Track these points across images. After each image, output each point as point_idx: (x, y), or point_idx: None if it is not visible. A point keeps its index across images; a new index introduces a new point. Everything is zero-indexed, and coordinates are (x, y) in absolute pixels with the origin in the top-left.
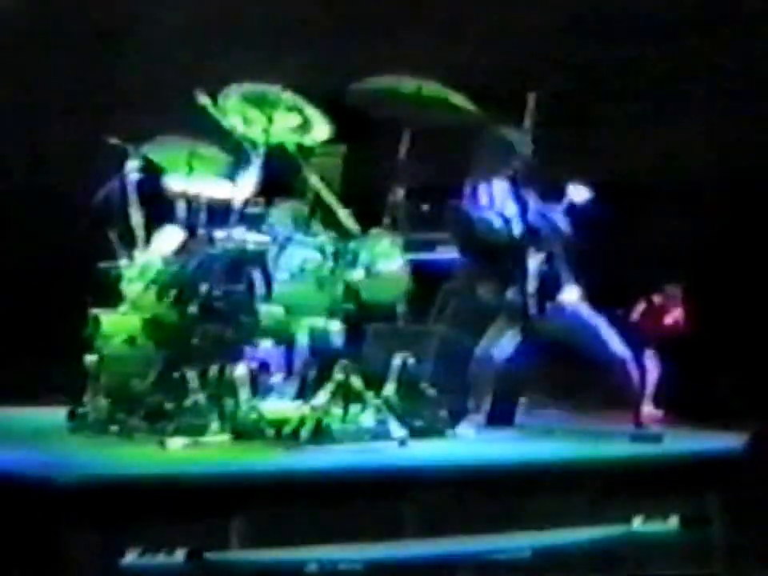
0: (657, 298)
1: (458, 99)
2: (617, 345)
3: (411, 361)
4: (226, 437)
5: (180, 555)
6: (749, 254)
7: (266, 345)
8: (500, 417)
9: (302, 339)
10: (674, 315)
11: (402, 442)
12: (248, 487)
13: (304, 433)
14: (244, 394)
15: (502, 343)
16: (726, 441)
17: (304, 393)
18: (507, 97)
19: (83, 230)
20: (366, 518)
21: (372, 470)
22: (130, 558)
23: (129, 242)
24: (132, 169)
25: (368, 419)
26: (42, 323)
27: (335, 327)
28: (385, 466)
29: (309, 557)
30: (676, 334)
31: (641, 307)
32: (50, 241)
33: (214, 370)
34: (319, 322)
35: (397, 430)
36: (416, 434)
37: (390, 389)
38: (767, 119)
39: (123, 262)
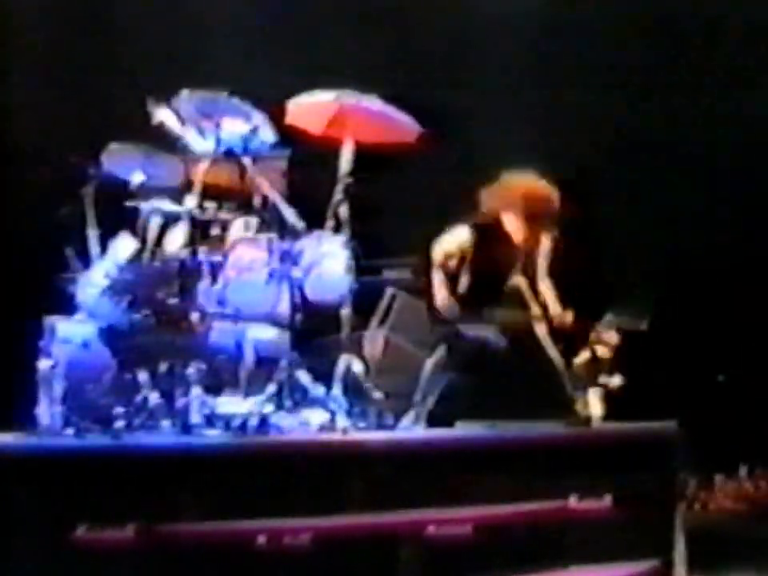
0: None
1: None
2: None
3: (356, 364)
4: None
5: (130, 528)
6: None
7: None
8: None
9: (249, 345)
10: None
11: (345, 431)
12: (198, 462)
13: (251, 425)
14: (196, 391)
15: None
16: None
17: (252, 389)
18: (447, 111)
19: (41, 244)
20: (314, 493)
21: (317, 447)
22: (81, 530)
23: (84, 257)
24: (90, 185)
25: (314, 413)
26: None
27: (281, 334)
28: (329, 444)
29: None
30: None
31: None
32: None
33: (164, 368)
34: (265, 329)
35: (342, 421)
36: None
37: (336, 390)
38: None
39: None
